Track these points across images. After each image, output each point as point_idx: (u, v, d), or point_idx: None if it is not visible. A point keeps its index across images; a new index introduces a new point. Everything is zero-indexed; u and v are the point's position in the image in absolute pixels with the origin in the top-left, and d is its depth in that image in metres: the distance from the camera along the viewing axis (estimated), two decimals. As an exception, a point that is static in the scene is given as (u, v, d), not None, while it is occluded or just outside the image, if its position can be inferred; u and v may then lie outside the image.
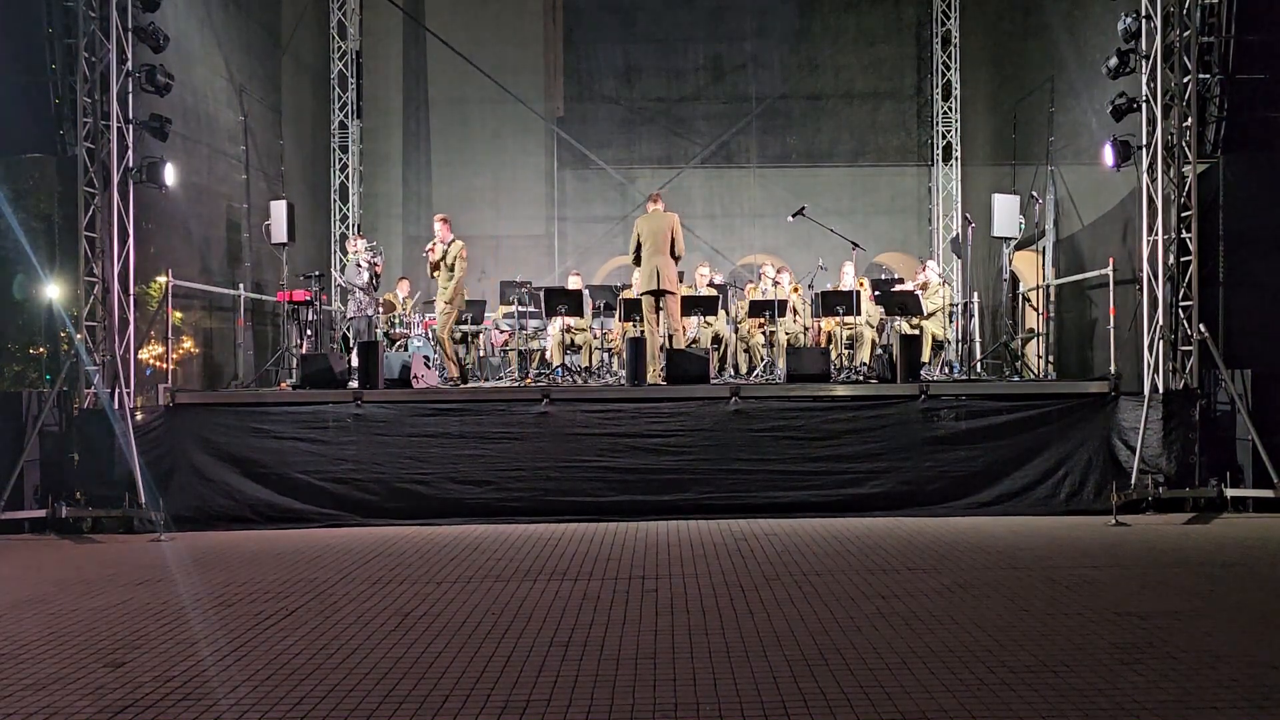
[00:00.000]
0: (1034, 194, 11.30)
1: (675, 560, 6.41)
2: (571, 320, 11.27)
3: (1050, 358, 10.99)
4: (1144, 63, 8.41)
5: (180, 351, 9.63)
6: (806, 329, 11.39)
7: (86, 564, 6.84)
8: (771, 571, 6.01)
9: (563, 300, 10.69)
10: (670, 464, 8.08)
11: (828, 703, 3.74)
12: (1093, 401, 8.19)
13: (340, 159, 14.62)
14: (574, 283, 11.75)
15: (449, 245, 9.99)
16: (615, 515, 7.97)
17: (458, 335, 11.79)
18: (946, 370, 11.22)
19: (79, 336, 8.09)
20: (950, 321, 11.60)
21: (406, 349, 11.30)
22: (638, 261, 9.48)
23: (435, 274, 10.15)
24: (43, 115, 8.51)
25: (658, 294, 9.38)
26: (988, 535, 7.14)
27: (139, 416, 8.12)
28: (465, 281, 12.88)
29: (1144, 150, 8.42)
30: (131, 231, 8.37)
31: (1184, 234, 8.27)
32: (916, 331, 10.36)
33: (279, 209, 11.12)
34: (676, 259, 9.49)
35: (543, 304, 10.78)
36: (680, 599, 5.36)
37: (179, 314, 9.54)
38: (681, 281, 10.33)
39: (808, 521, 7.75)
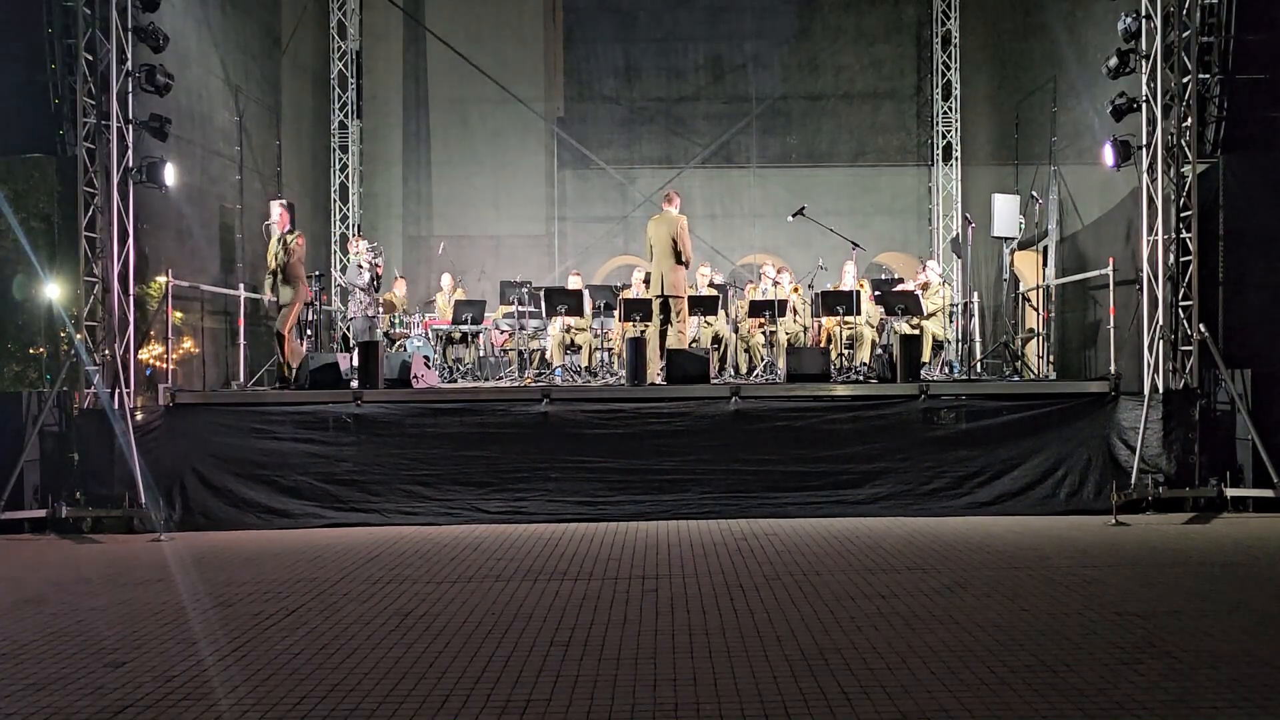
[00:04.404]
0: (1034, 194, 11.30)
1: (675, 560, 6.41)
2: (571, 320, 11.28)
3: (1051, 358, 10.99)
4: (1144, 63, 8.40)
5: (180, 351, 9.63)
6: (806, 329, 11.40)
7: (86, 564, 6.84)
8: (771, 571, 6.01)
9: (563, 300, 10.71)
10: (670, 464, 8.08)
11: (828, 702, 3.74)
12: (1093, 401, 8.19)
13: (340, 159, 14.61)
14: (574, 283, 11.76)
15: (285, 234, 9.44)
16: (615, 515, 7.96)
17: (456, 335, 11.80)
18: (946, 370, 11.22)
19: (79, 336, 8.09)
20: (950, 321, 11.60)
21: (406, 349, 11.30)
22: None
23: (274, 265, 9.41)
24: (43, 115, 8.51)
25: (664, 299, 9.50)
26: (988, 535, 7.14)
27: (139, 416, 8.12)
28: (463, 281, 12.97)
29: (1144, 150, 8.42)
30: (131, 231, 8.37)
31: (1184, 234, 8.26)
32: (916, 331, 10.36)
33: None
34: (685, 265, 9.60)
35: (543, 304, 10.78)
36: (680, 599, 5.36)
37: (179, 314, 9.53)
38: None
39: (808, 521, 7.74)
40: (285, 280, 9.40)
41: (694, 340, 10.85)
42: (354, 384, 8.92)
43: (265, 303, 9.71)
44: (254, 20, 11.79)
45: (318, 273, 11.64)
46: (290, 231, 9.50)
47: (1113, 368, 8.55)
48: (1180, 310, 8.23)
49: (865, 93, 15.07)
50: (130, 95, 8.39)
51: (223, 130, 10.90)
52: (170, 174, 8.75)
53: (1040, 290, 11.46)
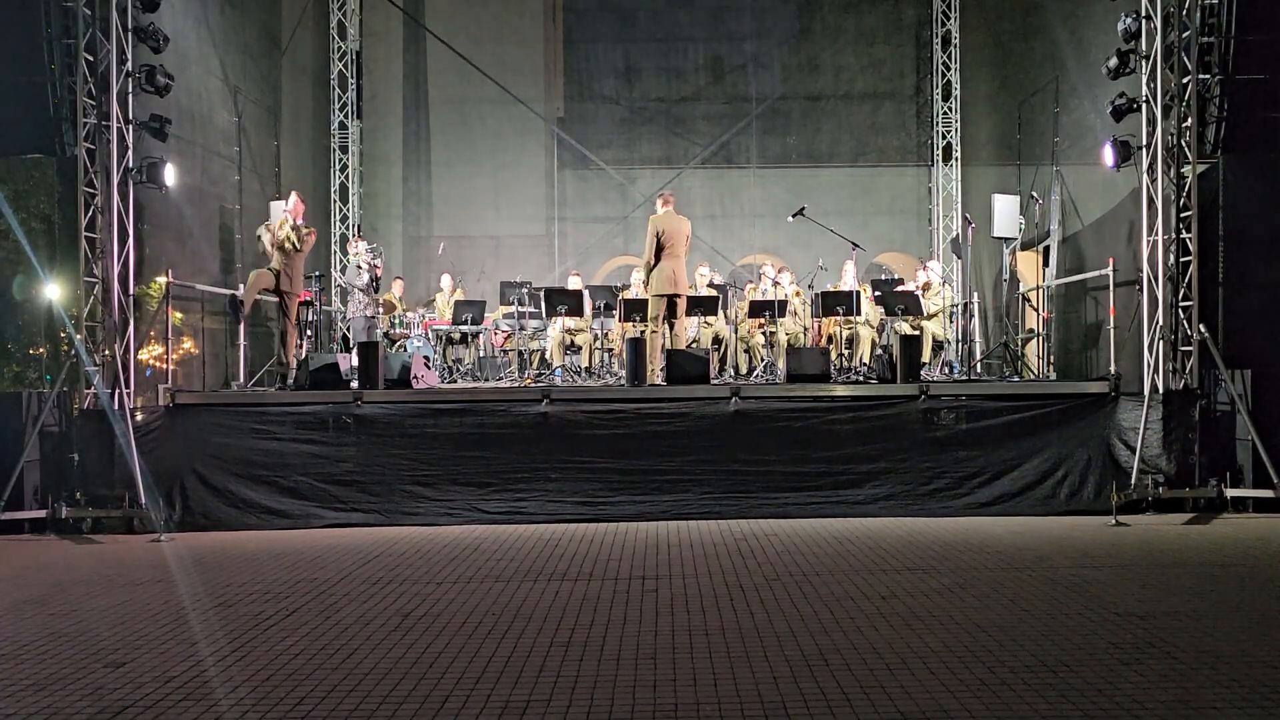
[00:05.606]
0: (1034, 194, 11.30)
1: (675, 560, 6.41)
2: (571, 320, 11.28)
3: (1051, 358, 10.99)
4: (1144, 63, 8.41)
5: (180, 352, 9.62)
6: (806, 329, 11.40)
7: (86, 564, 6.84)
8: (772, 572, 6.01)
9: (563, 300, 10.70)
10: (670, 464, 8.07)
11: (828, 703, 3.74)
12: (1093, 402, 8.19)
13: (340, 159, 14.60)
14: (574, 283, 11.76)
15: (299, 224, 9.29)
16: (615, 516, 7.96)
17: (456, 336, 11.80)
18: (946, 370, 11.22)
19: (79, 337, 8.09)
20: (950, 322, 11.61)
21: (406, 349, 11.30)
22: (654, 261, 9.40)
23: (275, 250, 9.27)
24: (43, 115, 8.50)
25: (672, 296, 9.46)
26: (988, 535, 7.14)
27: (139, 417, 8.12)
28: (463, 281, 12.96)
29: (1144, 150, 8.42)
30: (131, 232, 8.38)
31: (1184, 234, 8.26)
32: (917, 332, 10.36)
33: (279, 209, 11.09)
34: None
35: (543, 304, 10.78)
36: (680, 599, 5.36)
37: (179, 314, 9.53)
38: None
39: (808, 522, 7.74)
40: (289, 275, 9.38)
41: (694, 340, 10.85)
42: (354, 384, 8.91)
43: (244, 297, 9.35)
44: (253, 21, 11.78)
45: (318, 273, 11.62)
46: (304, 225, 9.48)
47: (1113, 368, 8.55)
48: (1180, 310, 8.23)
49: (865, 93, 15.06)
50: (130, 96, 8.40)
51: (222, 131, 10.90)
52: (170, 174, 8.76)
53: (1040, 291, 11.46)
